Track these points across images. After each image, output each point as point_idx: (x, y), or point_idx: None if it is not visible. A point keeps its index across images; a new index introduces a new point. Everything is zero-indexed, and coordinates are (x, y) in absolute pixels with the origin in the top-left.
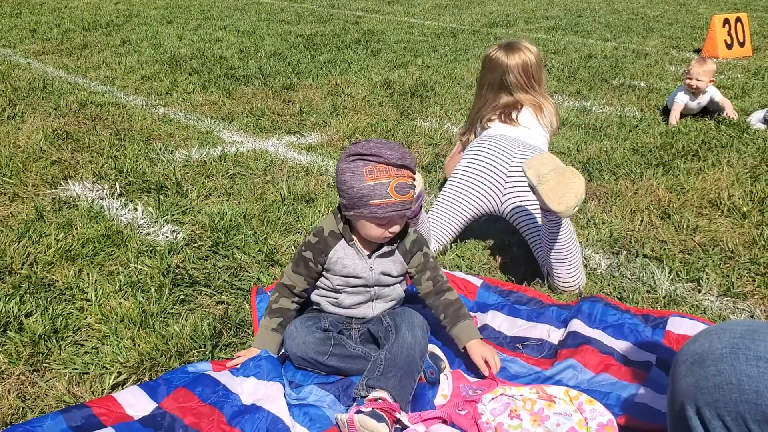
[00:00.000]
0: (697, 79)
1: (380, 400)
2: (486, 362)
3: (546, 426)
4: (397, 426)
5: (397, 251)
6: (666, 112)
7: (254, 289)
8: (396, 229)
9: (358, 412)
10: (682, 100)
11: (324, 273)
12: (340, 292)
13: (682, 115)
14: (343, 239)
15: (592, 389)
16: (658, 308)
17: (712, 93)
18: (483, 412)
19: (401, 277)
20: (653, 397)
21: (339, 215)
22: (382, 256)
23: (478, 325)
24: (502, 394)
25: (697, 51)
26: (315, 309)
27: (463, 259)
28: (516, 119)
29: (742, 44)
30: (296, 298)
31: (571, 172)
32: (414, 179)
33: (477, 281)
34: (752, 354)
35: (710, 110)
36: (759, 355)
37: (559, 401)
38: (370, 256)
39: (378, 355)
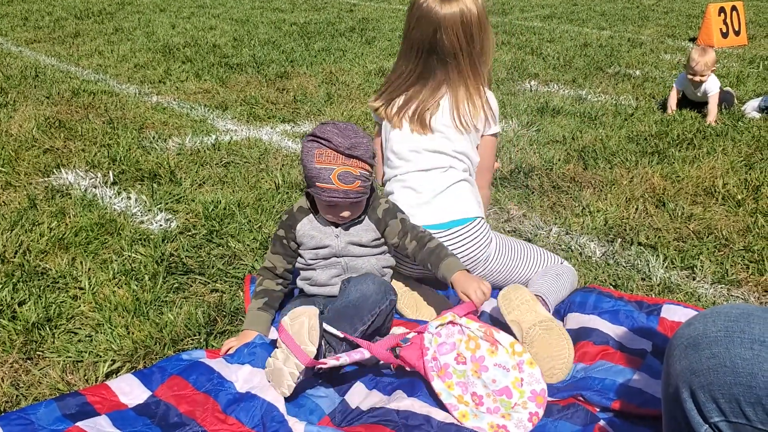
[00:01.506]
0: (701, 74)
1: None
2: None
3: (483, 380)
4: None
5: (367, 218)
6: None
7: (248, 277)
8: (346, 214)
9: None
10: (679, 87)
11: (299, 250)
12: (314, 269)
13: (687, 104)
14: (310, 213)
15: (588, 376)
16: (653, 296)
17: (710, 84)
18: (429, 345)
19: (375, 249)
20: (648, 382)
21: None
22: (348, 227)
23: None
24: (450, 322)
25: (693, 40)
26: (304, 294)
27: None
28: (429, 125)
29: (737, 33)
30: (280, 280)
31: (557, 331)
32: (368, 171)
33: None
34: (747, 337)
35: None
36: (753, 338)
37: (501, 350)
38: (336, 226)
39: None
